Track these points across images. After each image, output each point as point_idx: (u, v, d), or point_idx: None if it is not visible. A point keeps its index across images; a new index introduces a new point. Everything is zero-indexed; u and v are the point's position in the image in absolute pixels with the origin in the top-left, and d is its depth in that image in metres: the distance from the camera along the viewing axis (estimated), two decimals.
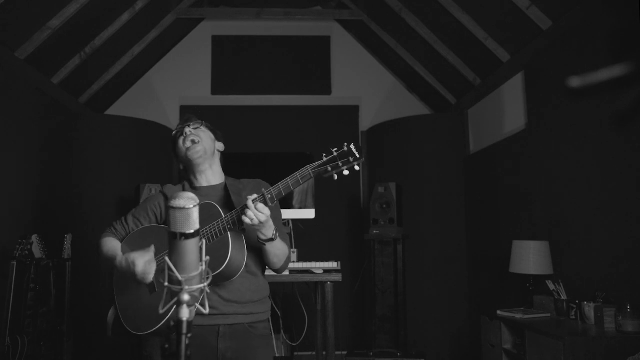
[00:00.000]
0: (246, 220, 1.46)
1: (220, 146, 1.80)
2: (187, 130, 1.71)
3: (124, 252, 1.62)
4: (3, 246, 3.13)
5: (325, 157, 1.47)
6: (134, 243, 1.66)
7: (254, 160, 3.59)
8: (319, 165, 1.46)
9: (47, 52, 3.50)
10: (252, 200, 1.47)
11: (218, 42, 4.92)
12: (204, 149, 1.69)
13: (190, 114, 1.82)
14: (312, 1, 4.70)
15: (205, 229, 1.52)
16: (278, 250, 1.63)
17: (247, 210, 1.46)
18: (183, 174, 1.81)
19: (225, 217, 1.52)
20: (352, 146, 1.46)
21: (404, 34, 4.31)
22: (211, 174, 1.74)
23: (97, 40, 3.87)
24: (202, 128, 1.74)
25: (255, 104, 4.83)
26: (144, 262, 1.51)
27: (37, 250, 3.16)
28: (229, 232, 1.52)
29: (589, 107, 2.67)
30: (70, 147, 4.06)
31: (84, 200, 3.98)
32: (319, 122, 4.82)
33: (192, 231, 0.94)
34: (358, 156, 1.45)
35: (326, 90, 4.91)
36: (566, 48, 2.91)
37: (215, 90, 4.86)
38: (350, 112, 4.91)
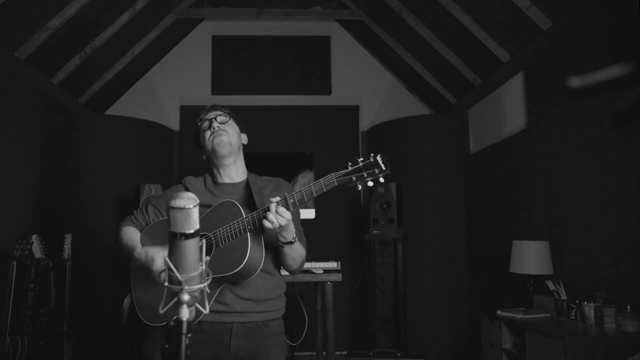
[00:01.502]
0: (266, 224, 1.46)
1: (244, 138, 1.81)
2: (215, 125, 1.70)
3: (143, 242, 1.64)
4: (3, 246, 3.13)
5: (351, 166, 1.45)
6: (153, 234, 1.67)
7: (254, 160, 3.54)
8: (344, 175, 1.45)
9: (47, 52, 3.50)
10: (274, 204, 1.47)
11: (218, 42, 4.92)
12: (230, 142, 1.70)
13: (215, 104, 1.82)
14: (312, 1, 4.70)
15: (226, 227, 1.53)
16: (295, 252, 1.63)
17: (268, 213, 1.46)
18: (206, 164, 1.80)
19: (246, 217, 1.52)
20: (378, 157, 1.44)
21: (404, 34, 4.31)
22: (234, 170, 1.75)
23: (97, 40, 3.87)
24: (230, 122, 1.75)
25: (255, 104, 4.83)
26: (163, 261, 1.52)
27: (37, 250, 3.16)
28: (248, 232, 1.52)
29: (589, 107, 2.67)
30: (70, 147, 4.06)
31: (84, 200, 3.98)
32: (319, 122, 4.82)
33: (192, 231, 0.94)
34: (384, 168, 1.43)
35: (326, 90, 4.91)
36: (566, 48, 2.91)
37: (215, 90, 4.86)
38: (350, 112, 4.90)
